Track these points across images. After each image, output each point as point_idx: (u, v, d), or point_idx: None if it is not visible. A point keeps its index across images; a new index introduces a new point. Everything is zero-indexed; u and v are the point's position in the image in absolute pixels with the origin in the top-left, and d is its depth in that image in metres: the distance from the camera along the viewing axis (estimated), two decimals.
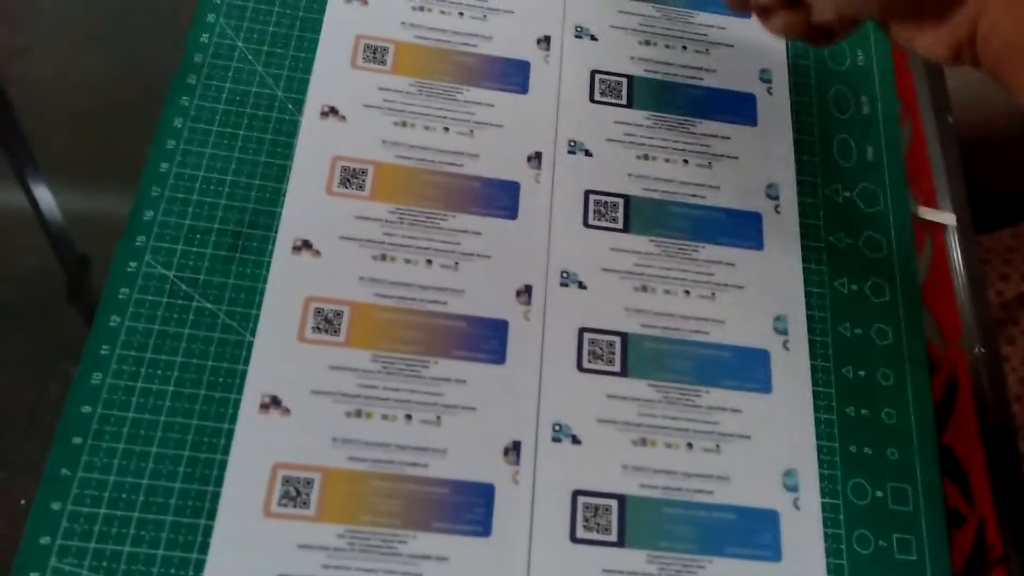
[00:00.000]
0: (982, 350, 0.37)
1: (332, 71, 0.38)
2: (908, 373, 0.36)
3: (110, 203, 0.36)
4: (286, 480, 0.31)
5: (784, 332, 0.36)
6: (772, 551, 0.32)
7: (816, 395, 0.35)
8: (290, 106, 0.37)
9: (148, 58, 0.39)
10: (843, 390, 0.35)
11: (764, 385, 0.35)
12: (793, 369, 0.35)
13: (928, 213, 0.40)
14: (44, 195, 0.36)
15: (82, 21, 0.40)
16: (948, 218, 0.40)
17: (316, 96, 0.38)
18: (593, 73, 0.40)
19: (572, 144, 0.38)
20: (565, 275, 0.36)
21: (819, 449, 0.34)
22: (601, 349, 0.34)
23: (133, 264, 0.33)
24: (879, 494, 0.33)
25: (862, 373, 0.36)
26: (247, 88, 0.37)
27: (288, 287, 0.34)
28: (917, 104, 0.43)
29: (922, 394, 0.36)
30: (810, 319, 0.36)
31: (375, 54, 0.39)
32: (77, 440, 0.30)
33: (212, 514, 0.30)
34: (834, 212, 0.39)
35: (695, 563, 0.31)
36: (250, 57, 0.38)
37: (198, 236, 0.34)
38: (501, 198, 0.37)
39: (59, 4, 0.40)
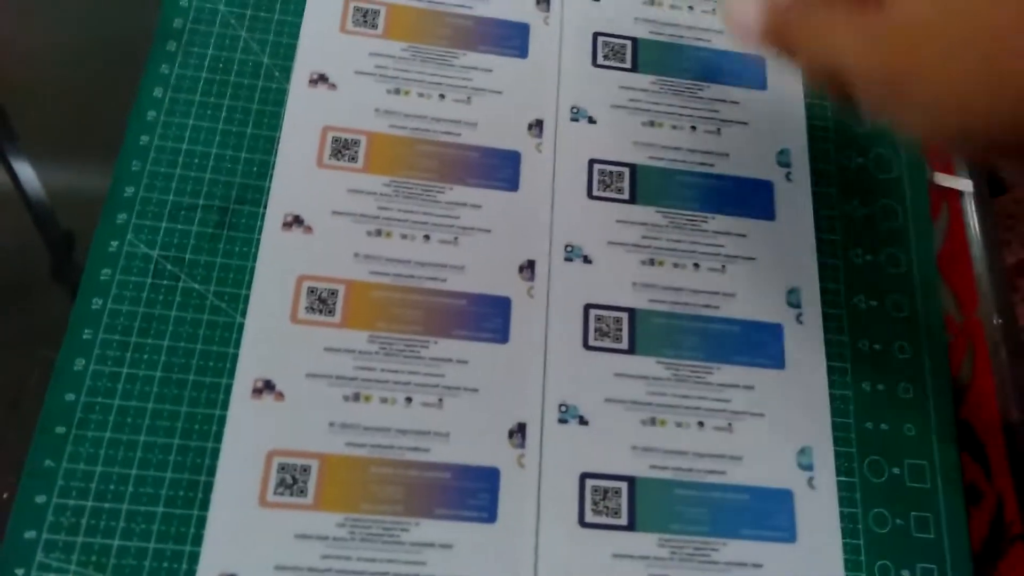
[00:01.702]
0: (1000, 320, 0.36)
1: (321, 36, 0.36)
2: (925, 346, 0.35)
3: (92, 178, 0.34)
4: (282, 468, 0.29)
5: (797, 305, 0.34)
6: (787, 532, 0.31)
7: (831, 370, 0.34)
8: (277, 73, 0.35)
9: (128, 22, 0.36)
10: (859, 365, 0.34)
11: (777, 361, 0.33)
12: (807, 344, 0.34)
13: (944, 179, 0.38)
14: (24, 171, 0.34)
15: None
16: (965, 184, 0.38)
17: (304, 63, 0.35)
18: (596, 35, 0.38)
19: (575, 111, 0.37)
20: (569, 249, 0.34)
21: (834, 426, 0.33)
22: (608, 326, 0.33)
23: (114, 243, 0.32)
24: (896, 471, 0.32)
25: (878, 347, 0.34)
26: (231, 55, 0.35)
27: (279, 265, 0.32)
28: None
29: (940, 367, 0.34)
30: (824, 292, 0.35)
31: (366, 17, 0.37)
32: (61, 430, 0.29)
33: (205, 504, 0.29)
34: (848, 179, 0.37)
35: (708, 546, 0.30)
36: (233, 21, 0.36)
37: (183, 212, 0.32)
38: (501, 169, 0.35)
39: None
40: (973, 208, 0.38)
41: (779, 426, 0.32)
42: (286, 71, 0.35)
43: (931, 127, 0.23)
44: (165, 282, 0.31)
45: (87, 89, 0.35)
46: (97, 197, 0.32)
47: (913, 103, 0.23)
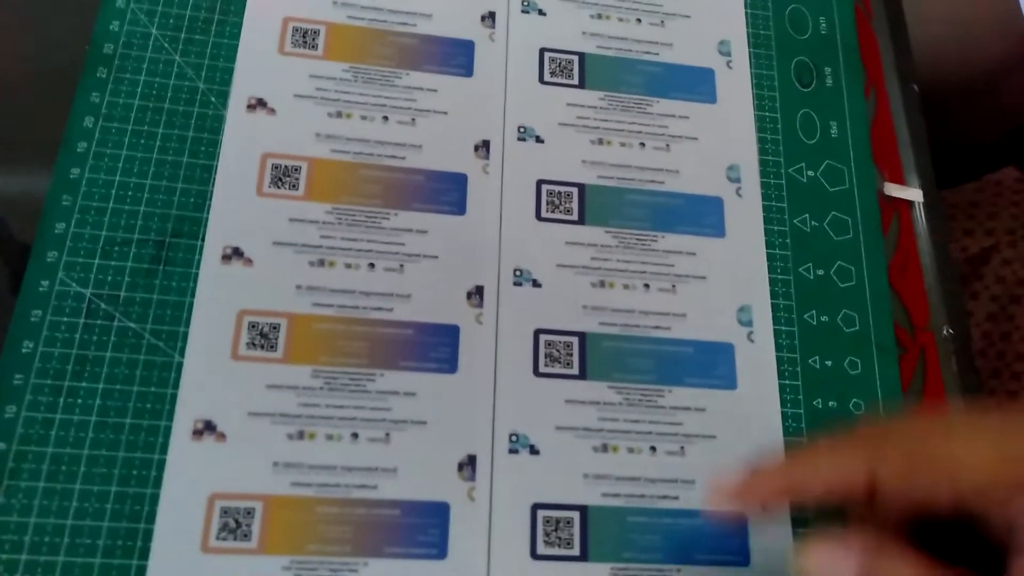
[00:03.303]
0: (951, 332, 0.36)
1: (258, 58, 0.35)
2: (876, 360, 0.35)
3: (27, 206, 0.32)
4: (225, 511, 0.29)
5: (749, 324, 0.34)
6: (741, 555, 0.31)
7: (783, 388, 0.34)
8: (213, 99, 0.34)
9: (60, 45, 0.35)
10: (810, 382, 0.34)
11: (729, 381, 0.33)
12: (758, 362, 0.34)
13: (895, 189, 0.38)
14: None
15: None
16: (915, 194, 0.38)
17: (242, 87, 0.34)
18: (542, 51, 0.38)
19: (522, 130, 0.36)
20: (518, 273, 0.34)
21: (787, 445, 0.33)
22: (558, 351, 0.33)
23: (45, 283, 0.31)
24: None
25: (829, 363, 0.34)
26: (164, 80, 0.34)
27: (219, 300, 0.31)
28: (882, 72, 0.41)
29: (891, 382, 0.35)
30: (775, 308, 0.35)
31: (305, 38, 0.36)
32: None
33: (145, 553, 0.28)
34: (798, 193, 0.37)
35: (662, 573, 0.30)
36: (166, 45, 0.35)
37: (117, 248, 0.31)
38: (447, 192, 0.34)
39: None
40: (923, 218, 0.38)
41: (731, 448, 0.32)
42: (223, 96, 0.34)
43: None
44: (99, 322, 0.30)
45: (17, 116, 0.34)
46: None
47: None
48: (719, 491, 0.26)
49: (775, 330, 0.34)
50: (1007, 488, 0.21)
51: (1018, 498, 0.21)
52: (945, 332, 0.36)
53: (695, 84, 0.38)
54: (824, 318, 0.35)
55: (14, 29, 0.35)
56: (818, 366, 0.34)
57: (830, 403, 0.34)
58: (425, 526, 0.29)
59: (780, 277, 0.35)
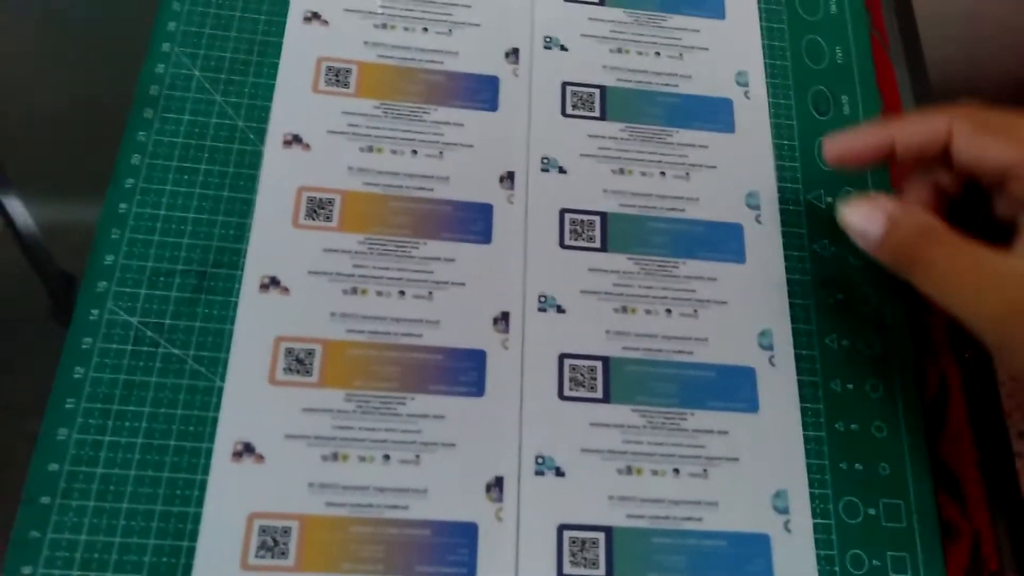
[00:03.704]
0: (971, 352, 0.36)
1: (294, 97, 0.37)
2: (897, 383, 0.35)
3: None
4: (263, 530, 0.30)
5: (770, 348, 0.35)
6: None
7: (804, 412, 0.34)
8: (252, 136, 0.36)
9: (110, 88, 0.37)
10: (832, 405, 0.34)
11: (751, 404, 0.34)
12: (780, 386, 0.34)
13: None
14: (17, 210, 0.35)
15: (41, 47, 0.39)
16: None
17: (278, 124, 0.36)
18: (564, 85, 0.39)
19: (545, 161, 0.37)
20: (543, 299, 0.35)
21: (809, 468, 0.33)
22: (583, 375, 0.34)
23: (95, 312, 0.32)
24: (872, 512, 0.33)
25: (850, 386, 0.35)
26: (206, 119, 0.36)
27: (257, 327, 0.33)
28: (899, 99, 0.42)
29: (912, 405, 0.35)
30: (795, 333, 0.35)
31: (338, 76, 0.38)
32: (45, 500, 0.29)
33: (188, 570, 0.29)
34: (817, 219, 0.38)
35: None
36: (208, 86, 0.37)
37: (162, 279, 0.33)
38: (474, 222, 0.36)
39: (15, 37, 0.39)
40: None
41: (754, 470, 0.33)
42: (260, 133, 0.36)
43: None
44: (145, 348, 0.32)
45: (70, 154, 0.36)
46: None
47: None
48: (828, 144, 0.33)
49: (796, 354, 0.35)
50: None
51: None
52: (966, 354, 0.36)
53: (714, 114, 0.39)
54: (845, 342, 0.36)
55: (67, 70, 0.38)
56: (839, 390, 0.35)
57: (852, 426, 0.34)
58: (454, 546, 0.30)
59: (800, 302, 0.36)
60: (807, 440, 0.34)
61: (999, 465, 0.35)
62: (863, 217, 0.31)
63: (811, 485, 0.33)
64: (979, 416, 0.35)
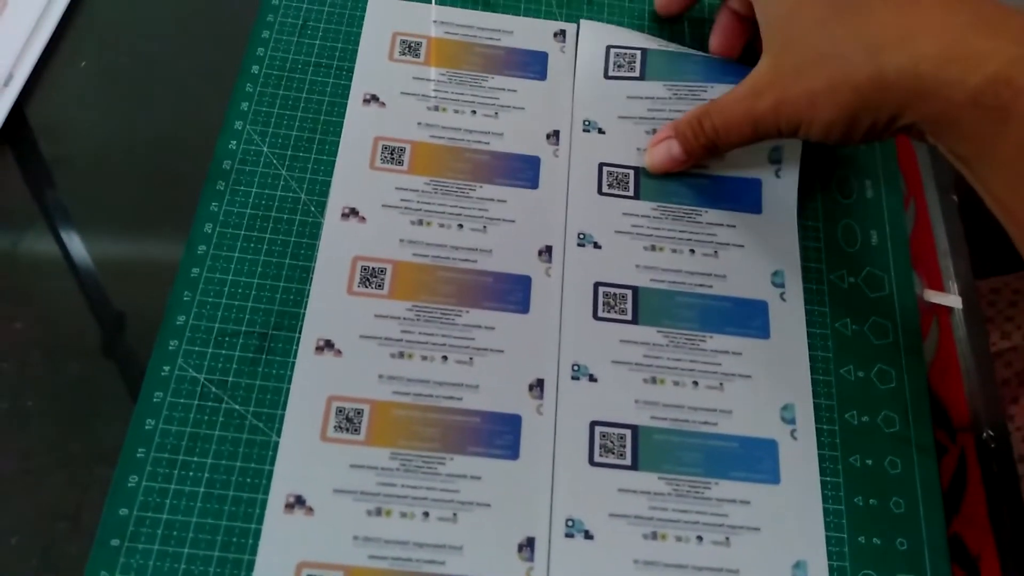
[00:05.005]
0: (991, 433, 0.38)
1: (352, 173, 0.40)
2: (916, 461, 0.37)
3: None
4: None
5: (792, 421, 0.37)
6: None
7: (824, 485, 0.36)
8: (313, 208, 0.39)
9: (186, 157, 0.41)
10: (851, 479, 0.36)
11: (773, 476, 0.36)
12: (801, 459, 0.36)
13: (934, 296, 0.41)
14: (78, 249, 0.38)
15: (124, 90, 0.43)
16: (954, 300, 0.41)
17: (338, 198, 0.40)
18: (601, 165, 0.42)
19: (581, 237, 0.40)
20: (576, 368, 0.37)
21: (828, 540, 0.35)
22: (612, 442, 0.36)
23: (166, 368, 0.35)
24: None
25: (869, 462, 0.36)
26: (272, 192, 0.39)
27: (311, 387, 0.35)
28: (921, 183, 0.44)
29: (930, 482, 0.36)
30: (817, 407, 0.37)
31: (393, 155, 0.41)
32: (115, 542, 0.32)
33: None
34: (839, 298, 0.40)
35: None
36: (275, 161, 0.40)
37: (227, 339, 0.36)
38: (513, 292, 0.38)
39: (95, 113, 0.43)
40: (963, 323, 0.40)
41: (775, 540, 0.34)
42: (321, 206, 0.39)
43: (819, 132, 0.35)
44: (210, 403, 0.35)
45: (146, 219, 0.40)
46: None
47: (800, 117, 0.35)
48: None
49: (817, 428, 0.37)
50: None
51: None
52: (985, 434, 0.38)
53: (741, 195, 0.42)
54: (865, 418, 0.37)
55: (144, 148, 0.42)
56: (859, 464, 0.36)
57: (871, 501, 0.36)
58: None
59: (822, 378, 0.38)
60: (826, 512, 0.35)
61: (1016, 544, 0.36)
62: (660, 151, 0.40)
63: (830, 557, 0.34)
64: (997, 495, 0.36)
